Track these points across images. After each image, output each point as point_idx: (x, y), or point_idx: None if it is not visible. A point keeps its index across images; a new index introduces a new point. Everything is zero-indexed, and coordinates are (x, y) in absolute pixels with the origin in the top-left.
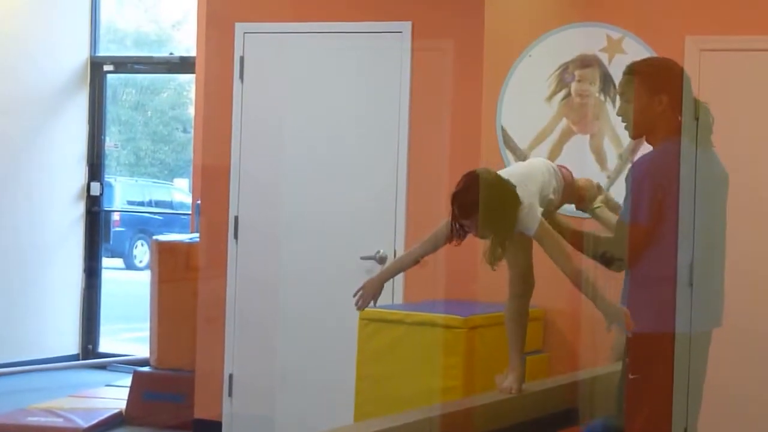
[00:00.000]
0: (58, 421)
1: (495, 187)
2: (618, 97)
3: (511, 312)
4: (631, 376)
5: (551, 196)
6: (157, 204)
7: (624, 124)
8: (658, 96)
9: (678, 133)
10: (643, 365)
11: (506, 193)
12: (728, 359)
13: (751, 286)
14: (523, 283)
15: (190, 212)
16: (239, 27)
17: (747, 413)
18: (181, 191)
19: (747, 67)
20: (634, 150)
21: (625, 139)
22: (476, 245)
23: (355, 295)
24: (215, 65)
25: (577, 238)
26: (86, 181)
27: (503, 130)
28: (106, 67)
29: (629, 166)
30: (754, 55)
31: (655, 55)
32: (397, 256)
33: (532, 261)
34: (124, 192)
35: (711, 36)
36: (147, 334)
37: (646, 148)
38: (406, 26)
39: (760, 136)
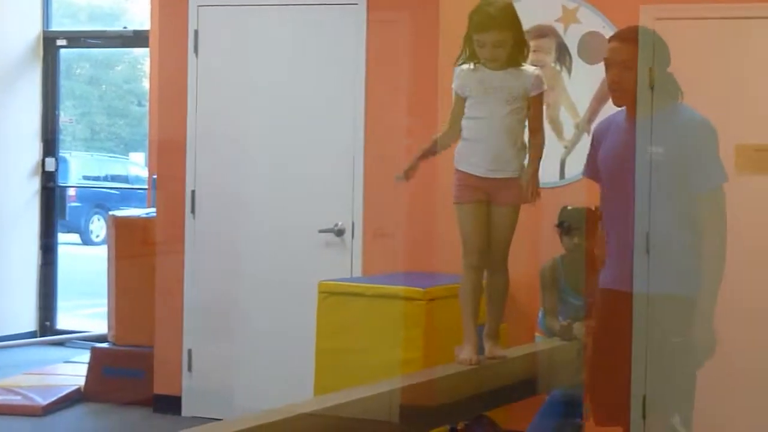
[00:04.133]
0: (16, 399)
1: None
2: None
3: (461, 283)
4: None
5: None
6: (114, 179)
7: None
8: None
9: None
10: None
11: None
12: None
13: None
14: (471, 254)
15: (146, 187)
16: (193, 0)
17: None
18: (137, 165)
19: (701, 35)
20: (590, 119)
21: (582, 108)
22: (434, 217)
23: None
24: (169, 39)
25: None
26: (41, 157)
27: None
28: (59, 42)
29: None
30: (708, 23)
31: (609, 23)
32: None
33: (482, 234)
34: (80, 167)
35: (665, 5)
36: (105, 309)
37: (600, 119)
38: None
39: (715, 104)
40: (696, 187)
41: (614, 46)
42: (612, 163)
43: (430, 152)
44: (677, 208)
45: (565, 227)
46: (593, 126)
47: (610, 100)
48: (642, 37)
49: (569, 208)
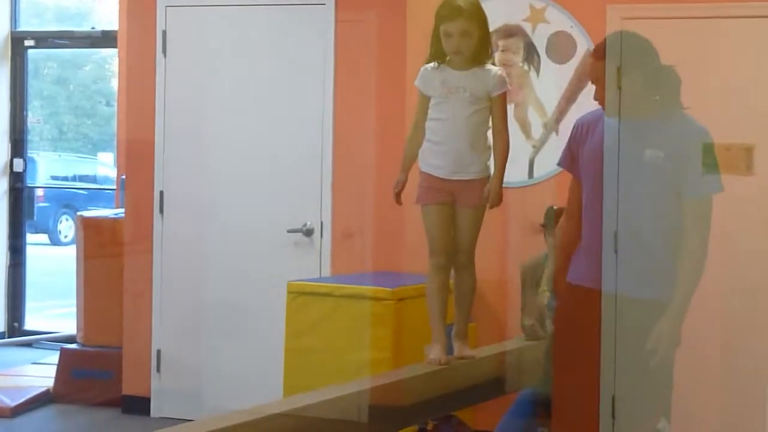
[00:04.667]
0: None
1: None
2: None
3: (428, 284)
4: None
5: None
6: (82, 179)
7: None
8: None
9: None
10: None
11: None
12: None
13: None
14: (437, 255)
15: (115, 187)
16: (161, 0)
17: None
18: (105, 165)
19: (667, 35)
20: (558, 119)
21: (550, 108)
22: (402, 217)
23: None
24: (137, 39)
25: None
26: (9, 158)
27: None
28: (27, 42)
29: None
30: (674, 22)
31: (576, 23)
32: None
33: (448, 235)
34: (48, 167)
35: (632, 4)
36: (74, 310)
37: (569, 118)
38: None
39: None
40: (687, 192)
41: (591, 63)
42: (599, 163)
43: (408, 163)
44: (663, 212)
45: (549, 227)
46: (579, 119)
47: (577, 101)
48: (610, 45)
49: (555, 208)
